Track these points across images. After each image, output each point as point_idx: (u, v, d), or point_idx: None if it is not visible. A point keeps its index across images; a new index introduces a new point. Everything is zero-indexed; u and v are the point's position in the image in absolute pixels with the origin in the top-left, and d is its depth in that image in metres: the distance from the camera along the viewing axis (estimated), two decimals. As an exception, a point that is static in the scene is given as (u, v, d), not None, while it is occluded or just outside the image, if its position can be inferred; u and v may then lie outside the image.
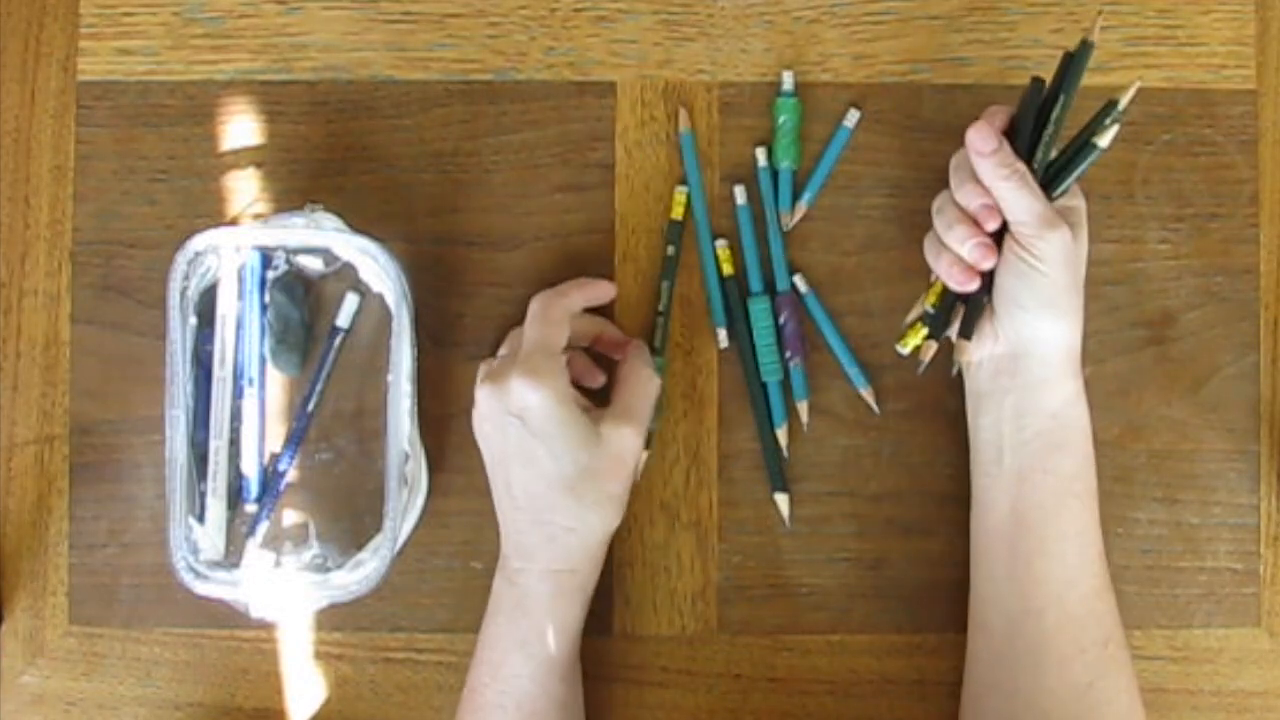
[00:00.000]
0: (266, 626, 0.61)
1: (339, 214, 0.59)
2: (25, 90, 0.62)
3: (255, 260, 0.58)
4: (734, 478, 0.62)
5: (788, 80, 0.62)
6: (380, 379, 0.59)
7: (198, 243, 0.56)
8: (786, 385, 0.61)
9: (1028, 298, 0.54)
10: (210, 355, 0.58)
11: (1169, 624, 0.62)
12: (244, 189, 0.62)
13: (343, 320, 0.60)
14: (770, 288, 0.62)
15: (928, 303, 0.58)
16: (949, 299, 0.57)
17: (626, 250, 0.62)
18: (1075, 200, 0.56)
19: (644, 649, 0.62)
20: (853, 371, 0.61)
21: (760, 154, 0.61)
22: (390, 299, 0.58)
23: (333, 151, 0.62)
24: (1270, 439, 0.62)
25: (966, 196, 0.55)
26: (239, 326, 0.59)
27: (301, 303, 0.60)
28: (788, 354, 0.61)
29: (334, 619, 0.61)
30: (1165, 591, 0.62)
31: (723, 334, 0.62)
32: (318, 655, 0.61)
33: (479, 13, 0.62)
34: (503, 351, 0.59)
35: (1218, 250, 0.63)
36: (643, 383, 0.57)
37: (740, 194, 0.62)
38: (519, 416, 0.53)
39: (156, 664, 0.61)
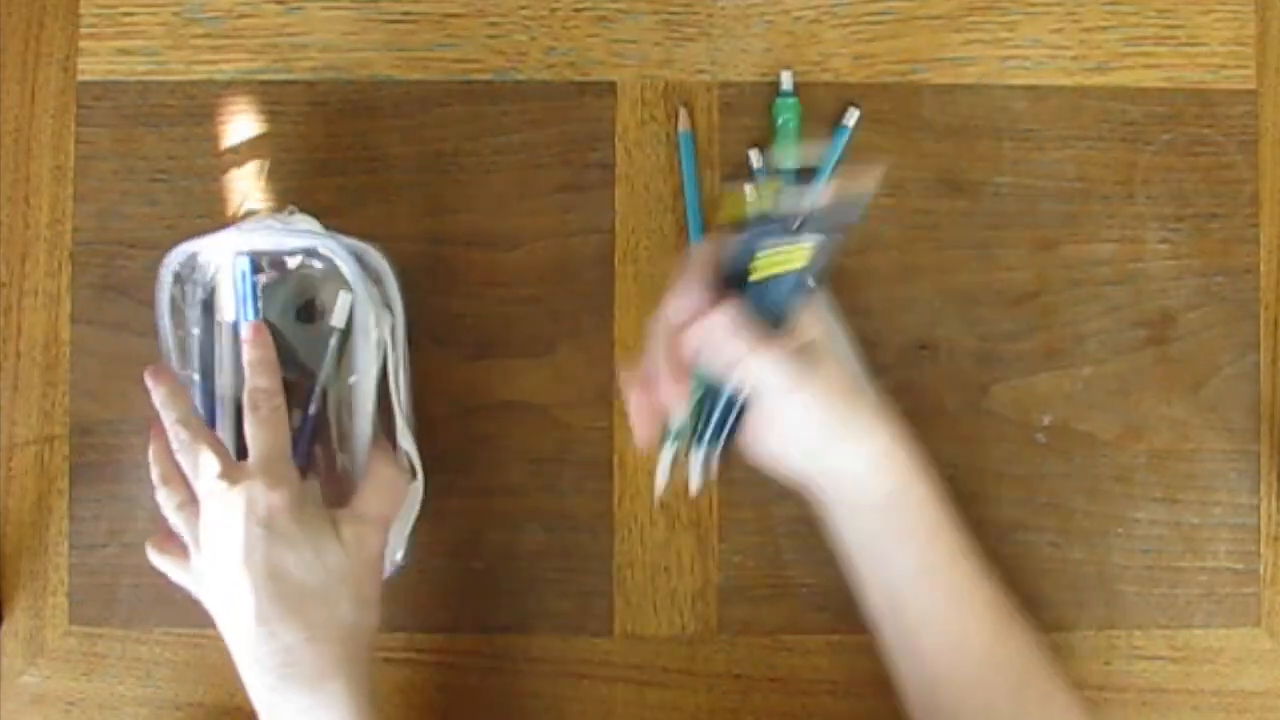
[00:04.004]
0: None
1: (315, 215, 0.59)
2: (25, 90, 0.62)
3: (245, 266, 0.58)
4: (734, 478, 0.62)
5: (787, 80, 0.62)
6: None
7: (180, 253, 0.56)
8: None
9: (805, 448, 0.53)
10: (207, 360, 0.58)
11: (1169, 624, 0.62)
12: (244, 189, 0.62)
13: (337, 320, 0.60)
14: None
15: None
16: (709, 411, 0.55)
17: (626, 250, 0.62)
18: (811, 331, 0.53)
19: (644, 649, 0.62)
20: (853, 371, 0.62)
21: (755, 155, 0.61)
22: (373, 299, 0.57)
23: (333, 151, 0.62)
24: (1270, 439, 0.62)
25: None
26: (235, 332, 0.59)
27: (288, 305, 0.60)
28: None
29: (334, 619, 0.61)
30: (1165, 591, 0.62)
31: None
32: (318, 655, 0.61)
33: (479, 13, 0.62)
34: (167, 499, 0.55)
35: (1218, 250, 0.63)
36: (384, 483, 0.55)
37: (750, 193, 0.62)
38: (265, 525, 0.50)
39: (156, 664, 0.61)
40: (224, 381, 0.58)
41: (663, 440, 0.56)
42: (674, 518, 0.62)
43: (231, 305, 0.58)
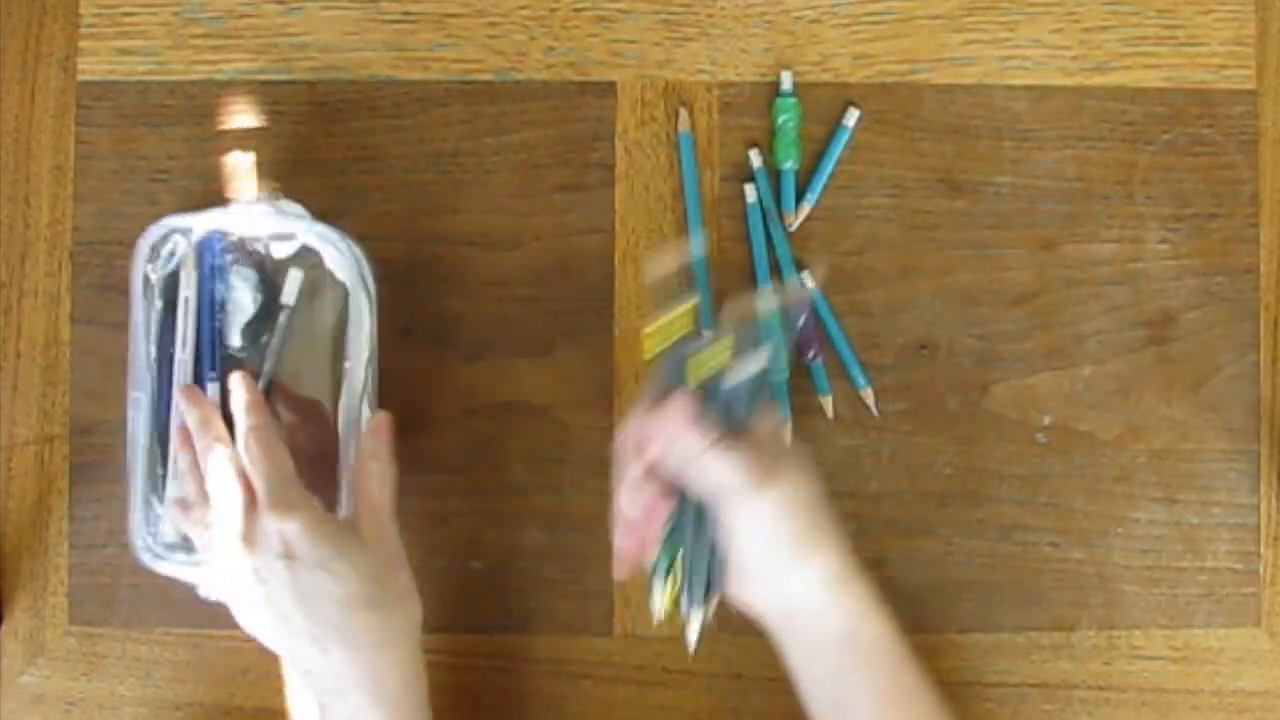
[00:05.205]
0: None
1: (305, 202, 0.59)
2: (25, 90, 0.62)
3: (214, 245, 0.59)
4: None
5: (787, 80, 0.62)
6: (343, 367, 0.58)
7: (161, 227, 0.56)
8: (789, 385, 0.61)
9: (766, 564, 0.52)
10: (174, 339, 0.59)
11: (1169, 624, 0.62)
12: (244, 189, 0.62)
13: (288, 297, 0.59)
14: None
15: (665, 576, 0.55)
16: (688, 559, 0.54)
17: (626, 250, 0.62)
18: (771, 435, 0.53)
19: (644, 649, 0.62)
20: (853, 372, 0.61)
21: (754, 155, 0.61)
22: (349, 286, 0.58)
23: (333, 151, 0.62)
24: (1270, 439, 0.62)
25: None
26: (200, 310, 0.59)
27: (259, 288, 0.60)
28: (811, 352, 0.61)
29: (334, 619, 0.61)
30: (1165, 591, 0.62)
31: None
32: (318, 655, 0.61)
33: (479, 13, 0.62)
34: (200, 531, 0.55)
35: (1218, 250, 0.63)
36: (372, 476, 0.54)
37: (750, 193, 0.62)
38: (287, 555, 0.50)
39: (156, 664, 0.61)
40: (184, 357, 0.58)
41: (653, 574, 0.55)
42: (674, 518, 0.62)
43: (196, 283, 0.58)
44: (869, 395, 0.62)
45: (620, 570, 0.54)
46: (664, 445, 0.51)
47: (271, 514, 0.51)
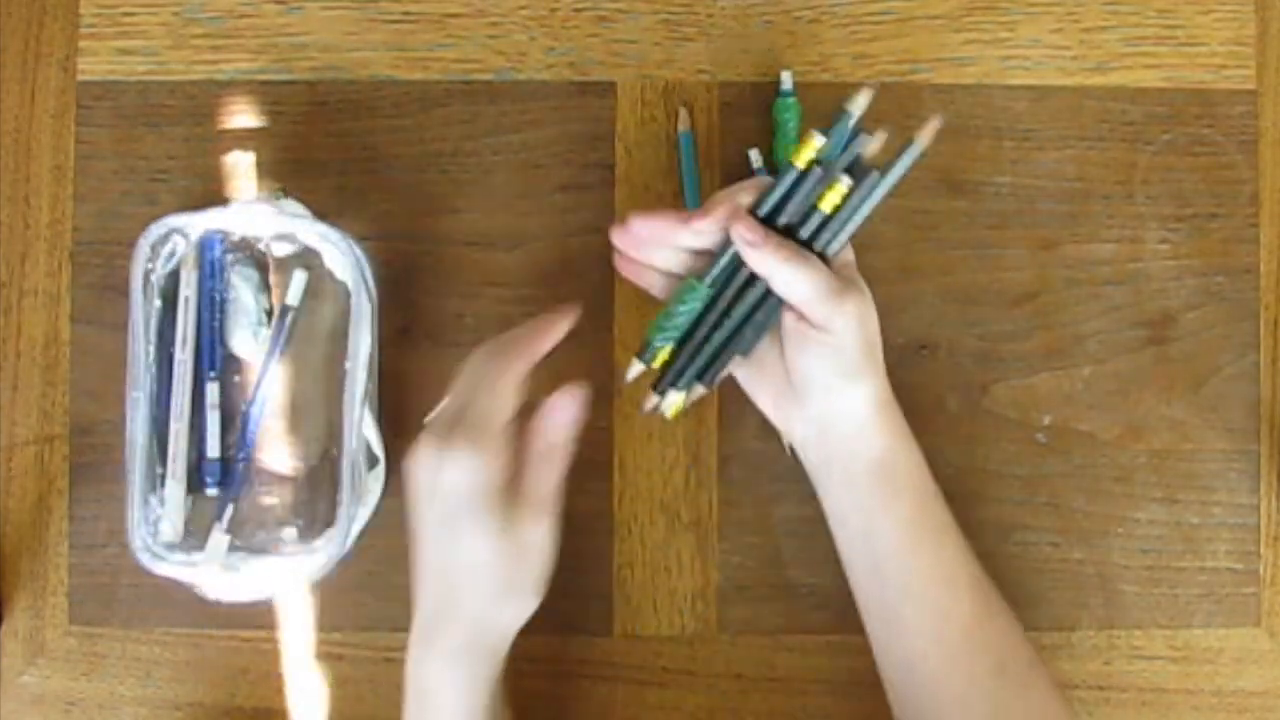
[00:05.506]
0: (267, 626, 0.61)
1: (305, 202, 0.59)
2: (25, 90, 0.62)
3: (214, 245, 0.59)
4: (734, 478, 0.62)
5: (787, 80, 0.61)
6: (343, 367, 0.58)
7: (161, 227, 0.56)
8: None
9: (828, 375, 0.53)
10: (173, 338, 0.59)
11: (1169, 624, 0.62)
12: (244, 189, 0.62)
13: (292, 298, 0.60)
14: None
15: (657, 360, 0.56)
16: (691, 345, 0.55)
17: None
18: (844, 253, 0.55)
19: (644, 649, 0.62)
20: (853, 371, 0.61)
21: (755, 155, 0.61)
22: (350, 286, 0.58)
23: (333, 151, 0.62)
24: (1270, 439, 0.62)
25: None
26: (200, 309, 0.59)
27: (261, 288, 0.60)
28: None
29: (334, 619, 0.61)
30: (1165, 591, 0.62)
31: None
32: (318, 655, 0.61)
33: (479, 13, 0.62)
34: (449, 403, 0.53)
35: (1218, 250, 0.63)
36: (554, 465, 0.52)
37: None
38: (450, 490, 0.50)
39: (156, 664, 0.61)
40: (184, 357, 0.58)
41: (644, 351, 0.55)
42: (674, 518, 0.62)
43: (196, 282, 0.58)
44: (869, 395, 0.62)
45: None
46: (757, 233, 0.51)
47: (464, 449, 0.49)
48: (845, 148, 0.52)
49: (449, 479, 0.49)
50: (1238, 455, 0.62)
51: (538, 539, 0.51)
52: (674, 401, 0.56)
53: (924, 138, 0.52)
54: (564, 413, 0.52)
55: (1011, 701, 0.53)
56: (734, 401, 0.62)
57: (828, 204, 0.52)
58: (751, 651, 0.62)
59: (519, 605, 0.52)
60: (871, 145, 0.52)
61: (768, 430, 0.62)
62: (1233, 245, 0.63)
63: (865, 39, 0.62)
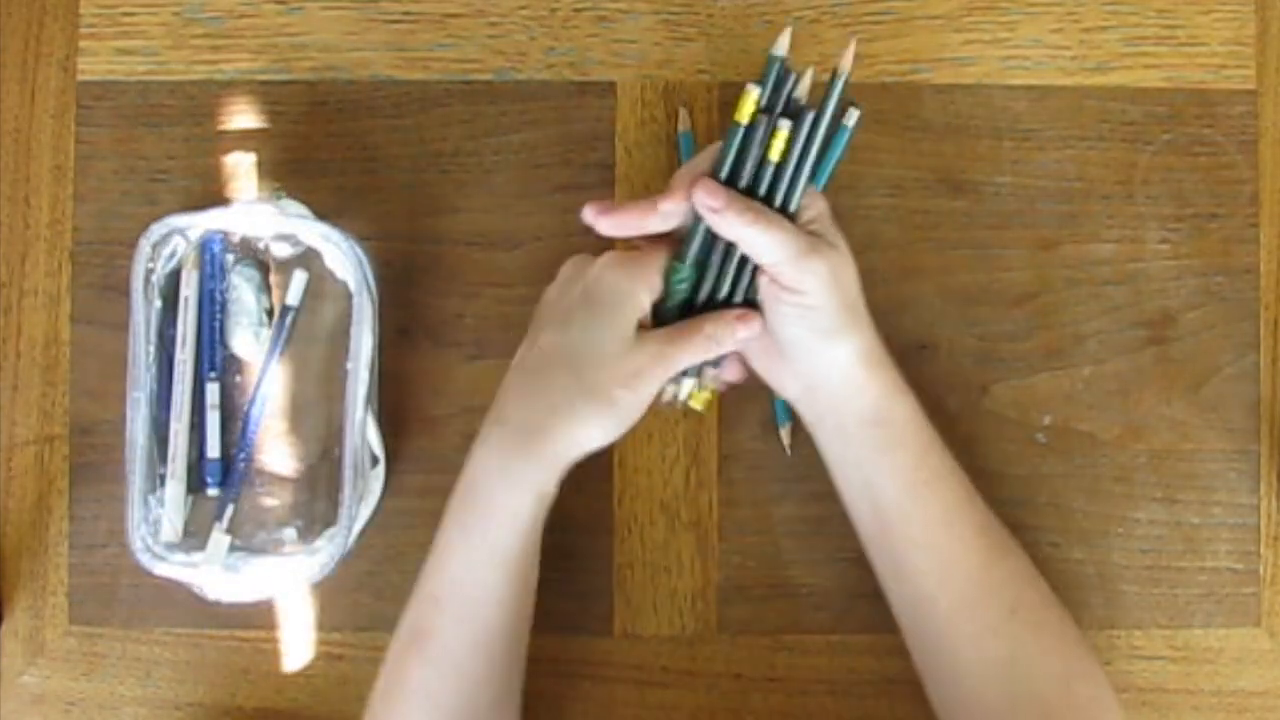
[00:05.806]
0: (267, 626, 0.61)
1: (305, 202, 0.59)
2: (25, 90, 0.62)
3: (214, 245, 0.59)
4: (734, 478, 0.62)
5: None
6: (344, 367, 0.59)
7: (161, 226, 0.56)
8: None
9: (807, 336, 0.53)
10: (174, 338, 0.59)
11: (1169, 624, 0.62)
12: (244, 189, 0.62)
13: (292, 298, 0.60)
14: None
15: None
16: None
17: (626, 250, 0.62)
18: (813, 208, 0.54)
19: (644, 649, 0.62)
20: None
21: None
22: (351, 286, 0.58)
23: (333, 151, 0.62)
24: (1270, 439, 0.62)
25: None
26: (200, 310, 0.59)
27: (261, 288, 0.60)
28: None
29: (334, 619, 0.61)
30: (1165, 591, 0.62)
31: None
32: (318, 655, 0.61)
33: (479, 13, 0.62)
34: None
35: (1218, 250, 0.63)
36: (699, 351, 0.53)
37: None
38: (587, 284, 0.52)
39: (156, 664, 0.61)
40: (184, 357, 0.58)
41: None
42: (674, 518, 0.62)
43: (197, 283, 0.58)
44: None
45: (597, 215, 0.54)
46: (719, 198, 0.51)
47: (614, 256, 0.52)
48: (778, 92, 0.53)
49: (606, 273, 0.52)
50: (1238, 455, 0.62)
51: (639, 362, 0.51)
52: (689, 388, 0.56)
53: (845, 64, 0.53)
54: (747, 329, 0.53)
55: (1027, 641, 0.53)
56: (734, 401, 0.62)
57: (775, 152, 0.52)
58: (751, 651, 0.62)
59: (605, 425, 0.52)
60: (803, 84, 0.53)
61: (768, 430, 0.62)
62: (1233, 245, 0.63)
63: (865, 39, 0.62)
